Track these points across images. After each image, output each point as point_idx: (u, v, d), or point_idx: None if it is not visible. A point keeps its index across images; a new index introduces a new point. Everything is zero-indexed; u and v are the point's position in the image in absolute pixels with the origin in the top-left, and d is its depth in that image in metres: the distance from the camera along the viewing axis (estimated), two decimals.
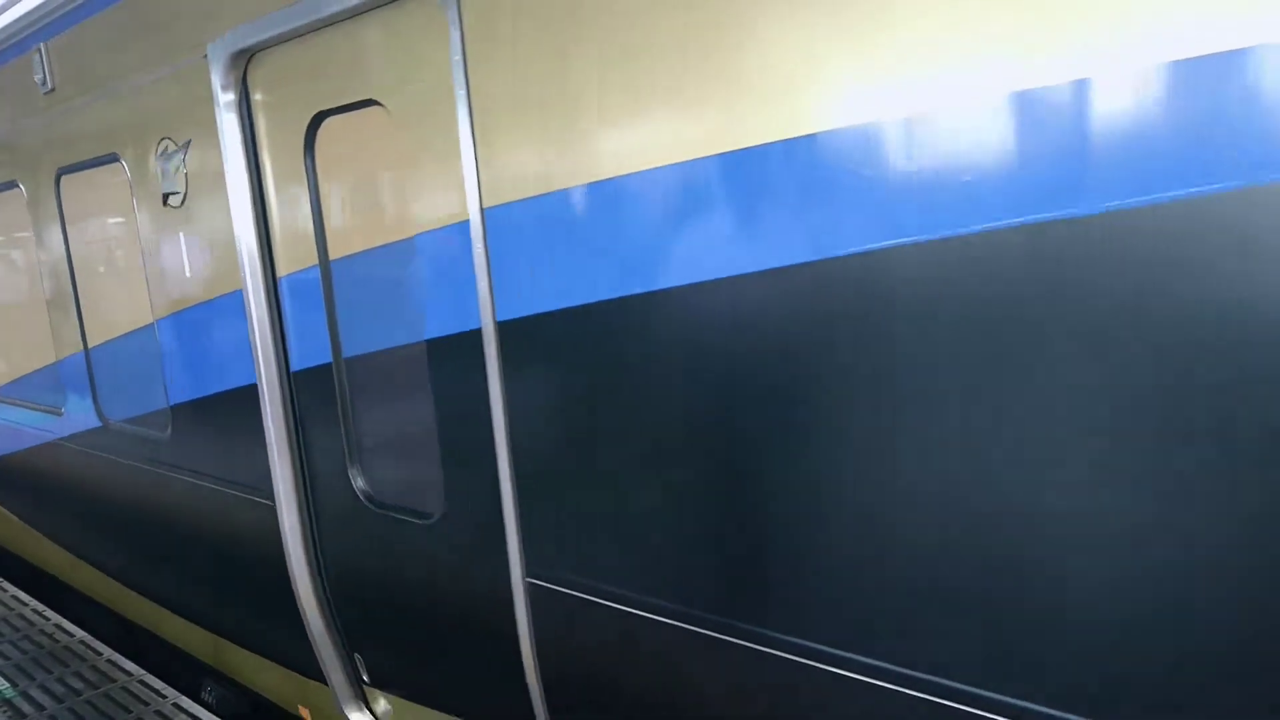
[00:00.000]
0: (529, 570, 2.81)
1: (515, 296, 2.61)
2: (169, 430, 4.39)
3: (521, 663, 2.95)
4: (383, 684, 3.86)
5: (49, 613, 5.90)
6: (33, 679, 4.99)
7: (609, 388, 2.45)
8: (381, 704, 3.93)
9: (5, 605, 6.09)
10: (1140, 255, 1.55)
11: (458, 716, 3.49)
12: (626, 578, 2.54)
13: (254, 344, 3.66)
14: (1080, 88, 1.59)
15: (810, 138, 1.93)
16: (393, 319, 3.21)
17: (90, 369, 5.01)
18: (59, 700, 4.73)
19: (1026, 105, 1.65)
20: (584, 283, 2.43)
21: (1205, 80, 1.46)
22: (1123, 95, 1.55)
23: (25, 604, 6.09)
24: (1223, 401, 1.53)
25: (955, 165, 1.74)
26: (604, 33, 2.25)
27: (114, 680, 4.91)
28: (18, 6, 4.66)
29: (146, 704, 4.63)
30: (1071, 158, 1.60)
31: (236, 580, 4.33)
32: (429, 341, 3.01)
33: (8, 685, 4.92)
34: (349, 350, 3.44)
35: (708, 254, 2.15)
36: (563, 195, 2.43)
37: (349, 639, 3.86)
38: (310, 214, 3.39)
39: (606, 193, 2.33)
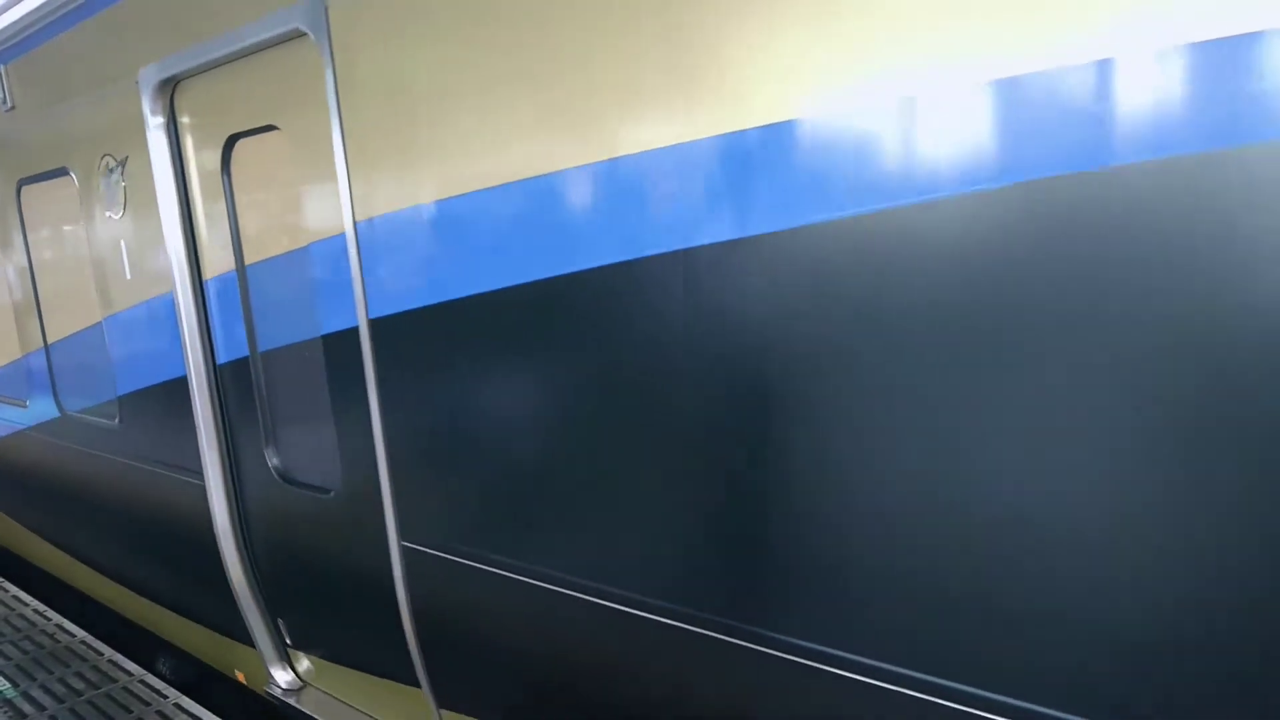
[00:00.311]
0: (403, 535, 3.23)
1: (382, 298, 3.03)
2: (117, 419, 4.81)
3: (400, 618, 3.37)
4: (303, 645, 4.28)
5: (50, 613, 5.93)
6: (34, 679, 4.99)
7: (456, 375, 2.87)
8: (304, 663, 4.36)
9: (6, 605, 6.10)
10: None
11: (363, 672, 3.92)
12: (478, 539, 2.96)
13: (184, 340, 4.08)
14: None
15: (589, 165, 2.35)
16: (295, 318, 3.63)
17: (50, 364, 5.43)
18: (60, 700, 4.73)
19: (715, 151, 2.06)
20: (432, 286, 2.85)
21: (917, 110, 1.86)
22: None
23: (26, 604, 6.11)
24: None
25: (672, 198, 2.16)
26: (443, 75, 2.66)
27: (115, 680, 4.92)
28: None
29: (148, 704, 4.64)
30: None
31: (178, 556, 4.75)
32: (323, 337, 3.43)
33: (9, 685, 4.92)
34: (263, 346, 3.86)
35: (526, 261, 2.57)
36: (414, 211, 2.85)
37: (271, 605, 4.28)
38: (228, 224, 3.81)
39: (446, 210, 2.75)
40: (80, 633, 5.55)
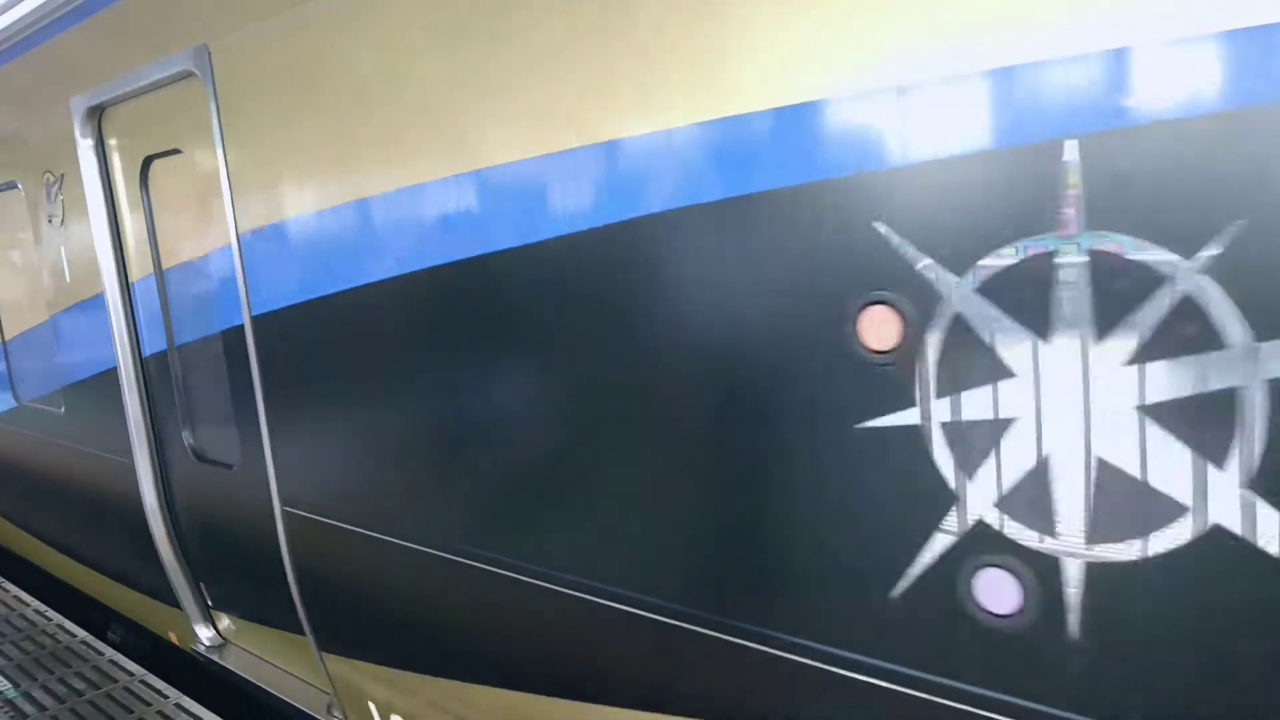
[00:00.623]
0: (283, 501, 3.77)
1: (260, 298, 3.58)
2: (62, 408, 5.36)
3: (286, 575, 3.91)
4: (222, 606, 4.82)
5: (51, 613, 5.99)
6: (35, 679, 5.01)
7: (318, 363, 3.41)
8: (225, 622, 4.90)
9: (7, 606, 6.17)
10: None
11: (266, 626, 4.46)
12: (342, 503, 3.51)
13: (114, 336, 4.62)
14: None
15: (394, 191, 2.89)
16: (200, 316, 4.17)
17: (7, 358, 5.98)
18: (61, 700, 4.75)
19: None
20: (299, 287, 3.39)
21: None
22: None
23: (27, 604, 6.17)
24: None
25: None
26: (299, 111, 3.20)
27: (115, 680, 4.95)
28: None
29: (149, 704, 4.68)
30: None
31: (116, 529, 5.30)
32: (221, 333, 3.97)
33: (10, 685, 4.94)
34: (178, 340, 4.40)
35: (365, 267, 3.10)
36: (281, 225, 3.39)
37: (194, 570, 4.83)
38: (147, 234, 4.35)
39: (305, 224, 3.29)
40: (81, 633, 5.66)
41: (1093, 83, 1.56)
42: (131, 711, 4.60)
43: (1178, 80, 1.48)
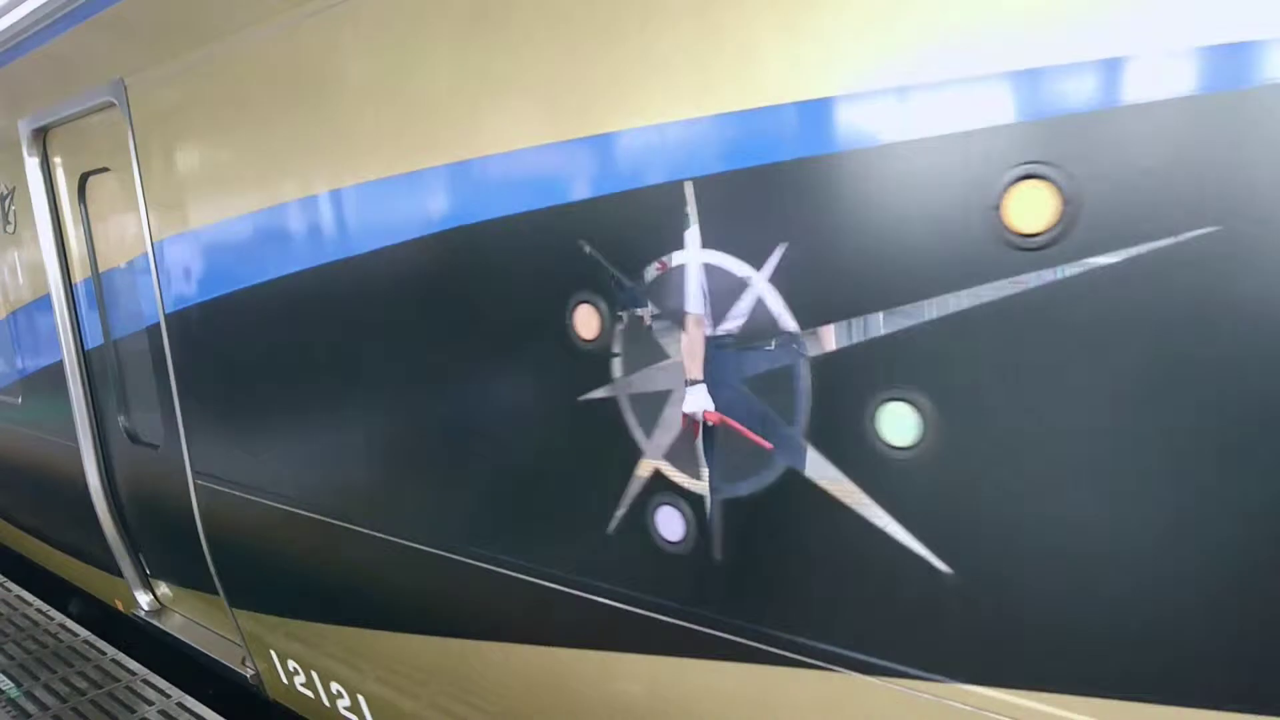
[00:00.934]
0: (195, 474, 4.34)
1: (171, 299, 4.14)
2: (20, 398, 5.93)
3: (200, 541, 4.47)
4: (159, 573, 5.38)
5: (53, 612, 6.02)
6: (37, 678, 5.01)
7: (217, 355, 3.97)
8: (162, 589, 5.46)
9: (9, 605, 6.19)
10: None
11: (192, 589, 5.02)
12: (236, 473, 4.07)
13: (59, 332, 5.19)
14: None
15: (273, 207, 3.45)
16: (130, 314, 4.73)
17: None
18: (63, 700, 4.75)
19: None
20: (200, 289, 3.96)
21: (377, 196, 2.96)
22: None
23: (29, 604, 6.21)
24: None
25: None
26: (200, 139, 3.77)
27: (117, 680, 4.96)
28: None
29: (150, 703, 4.69)
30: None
31: (66, 507, 5.86)
32: (145, 329, 4.53)
33: (12, 684, 4.94)
34: (114, 335, 4.96)
35: (248, 271, 3.66)
36: (187, 235, 3.95)
37: (133, 541, 5.39)
38: (85, 240, 4.92)
39: (204, 235, 3.85)
40: (83, 632, 5.70)
41: (705, 142, 2.11)
42: (134, 711, 4.59)
43: (736, 143, 2.05)
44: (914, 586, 1.98)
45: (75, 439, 5.32)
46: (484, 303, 2.74)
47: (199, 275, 3.93)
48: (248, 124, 3.47)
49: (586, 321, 2.45)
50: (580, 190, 2.40)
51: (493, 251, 2.66)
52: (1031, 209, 1.69)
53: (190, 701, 4.63)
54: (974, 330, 1.80)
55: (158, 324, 4.30)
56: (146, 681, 4.89)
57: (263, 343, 3.71)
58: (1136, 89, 1.57)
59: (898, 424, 1.94)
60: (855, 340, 1.97)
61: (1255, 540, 1.59)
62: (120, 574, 5.54)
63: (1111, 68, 1.59)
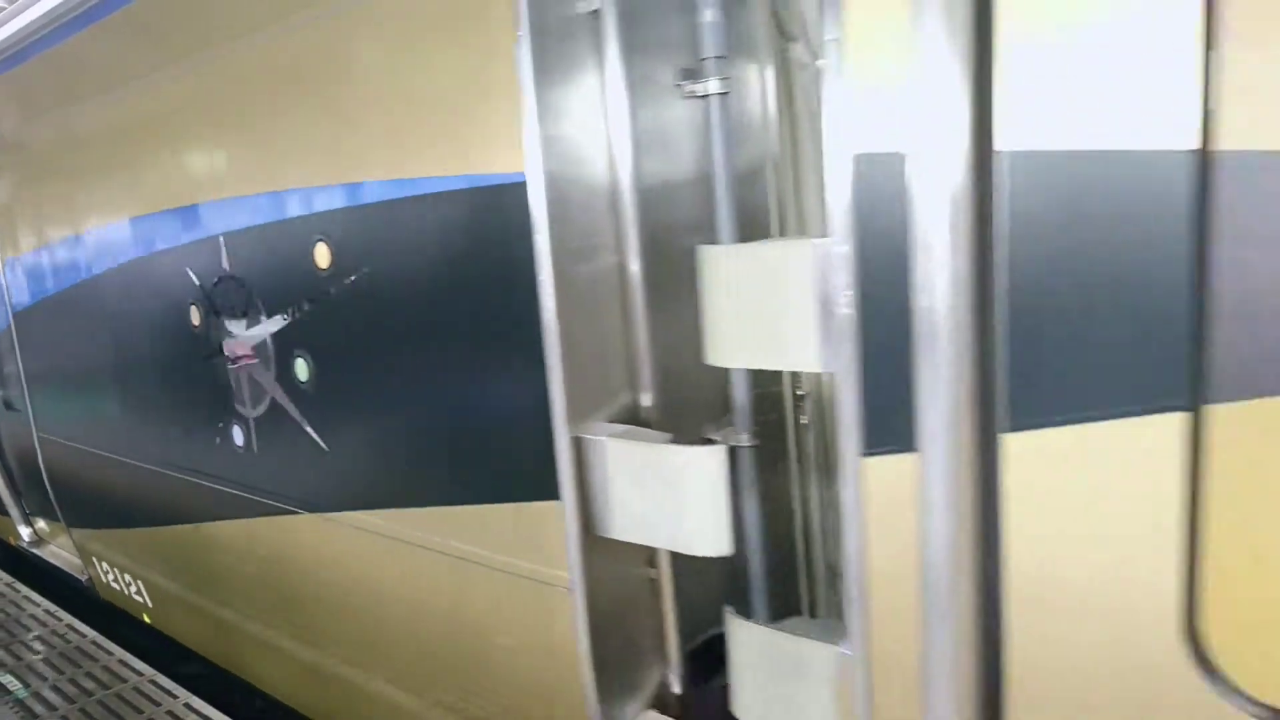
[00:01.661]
0: (38, 429, 5.81)
1: (16, 300, 5.53)
2: None
3: (44, 483, 5.87)
4: (35, 512, 6.72)
5: (61, 613, 6.04)
6: (44, 679, 5.03)
7: (43, 337, 5.39)
8: (40, 524, 6.83)
9: (17, 605, 6.21)
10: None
11: (49, 520, 6.40)
12: (63, 427, 5.54)
13: None
14: None
15: (65, 238, 4.84)
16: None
17: None
18: (70, 700, 4.78)
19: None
20: (31, 293, 5.43)
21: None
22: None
23: (37, 604, 6.24)
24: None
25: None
26: (30, 178, 5.13)
27: (125, 680, 4.96)
28: None
29: (158, 704, 4.69)
30: None
31: None
32: (7, 326, 5.90)
33: (20, 685, 4.98)
34: None
35: (57, 280, 5.05)
36: (24, 255, 5.31)
37: (14, 487, 6.73)
38: None
39: (36, 255, 5.24)
40: (91, 633, 5.71)
41: (234, 212, 3.52)
42: (141, 711, 4.61)
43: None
44: (316, 460, 3.47)
45: None
46: (144, 308, 4.32)
47: (25, 287, 5.47)
48: (53, 167, 4.92)
49: (194, 316, 3.97)
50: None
51: (138, 280, 4.32)
52: (323, 255, 3.17)
53: (197, 702, 4.66)
54: (317, 318, 3.29)
55: (9, 323, 5.84)
56: (154, 682, 4.93)
57: (65, 334, 5.21)
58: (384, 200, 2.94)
59: (301, 370, 3.43)
60: (272, 330, 3.51)
61: (437, 425, 3.02)
62: (8, 514, 7.01)
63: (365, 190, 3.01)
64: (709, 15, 2.22)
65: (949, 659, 1.80)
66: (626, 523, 2.43)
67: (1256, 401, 1.43)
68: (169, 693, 4.83)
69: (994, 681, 1.78)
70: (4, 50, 4.85)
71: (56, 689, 4.96)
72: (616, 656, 2.56)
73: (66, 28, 4.34)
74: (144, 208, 4.09)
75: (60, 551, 6.48)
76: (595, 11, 2.33)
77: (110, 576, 5.68)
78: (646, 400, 2.48)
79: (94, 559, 5.79)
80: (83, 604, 6.00)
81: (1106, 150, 1.50)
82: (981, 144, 1.64)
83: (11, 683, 5.05)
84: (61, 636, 5.68)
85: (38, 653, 5.47)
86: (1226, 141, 1.41)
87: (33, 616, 6.09)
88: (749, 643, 2.37)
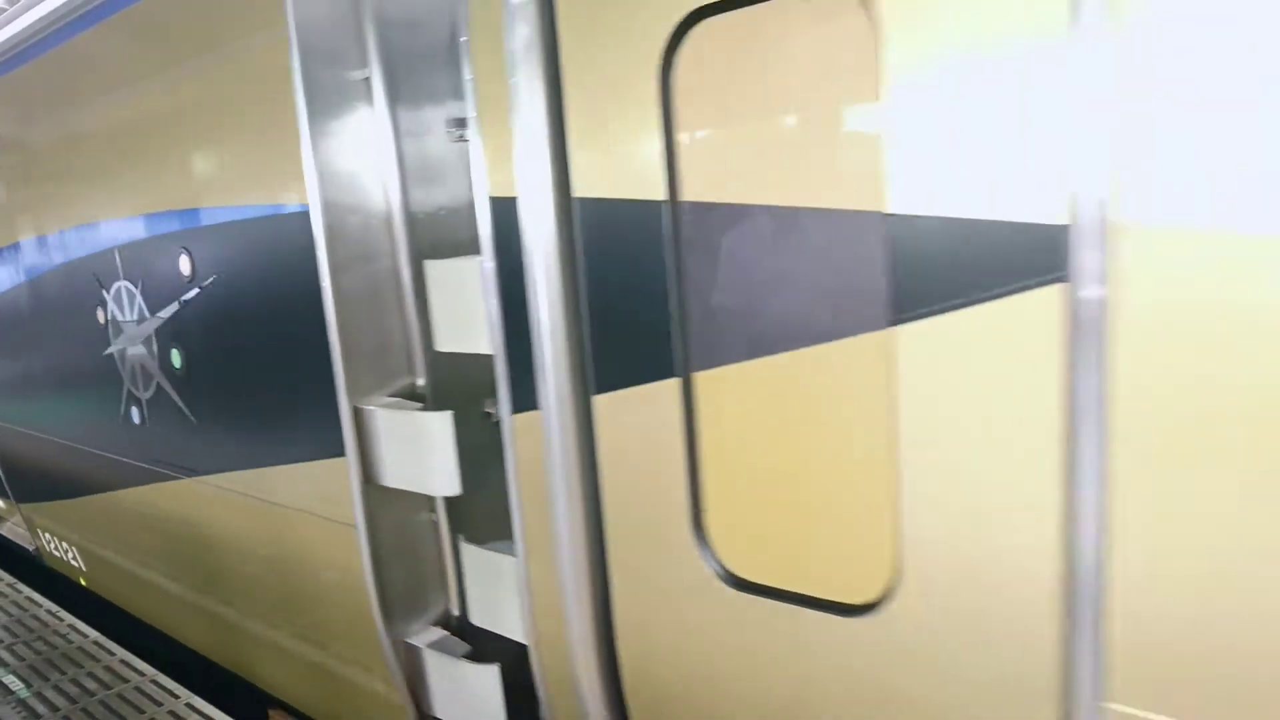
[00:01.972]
0: None
1: None
2: None
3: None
4: None
5: (63, 614, 6.04)
6: (46, 679, 5.02)
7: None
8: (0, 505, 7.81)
9: (20, 606, 6.20)
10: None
11: (4, 497, 7.30)
12: (13, 411, 6.37)
13: None
14: None
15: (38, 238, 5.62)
16: None
17: None
18: (72, 701, 4.77)
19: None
20: None
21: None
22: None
23: (39, 605, 6.24)
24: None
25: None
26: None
27: (127, 680, 4.96)
28: None
29: (160, 704, 4.69)
30: None
31: None
32: None
33: (22, 685, 4.96)
34: None
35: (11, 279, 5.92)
36: None
37: None
38: None
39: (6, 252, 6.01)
40: (93, 633, 5.72)
41: (125, 229, 4.41)
42: (143, 712, 4.63)
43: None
44: (189, 433, 4.38)
45: None
46: (66, 308, 5.23)
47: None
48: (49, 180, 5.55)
49: (99, 315, 4.88)
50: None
51: (61, 285, 5.27)
52: (185, 265, 4.02)
53: (199, 702, 4.69)
54: (184, 317, 4.17)
55: None
56: (155, 682, 4.97)
57: (4, 331, 6.15)
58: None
59: (175, 359, 4.30)
60: (154, 327, 4.41)
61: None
62: None
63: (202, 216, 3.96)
64: (469, 73, 2.71)
65: (572, 554, 2.61)
66: (394, 472, 3.18)
67: (719, 369, 2.24)
68: (170, 693, 4.85)
69: (601, 558, 2.60)
70: None
71: (59, 689, 4.96)
72: (403, 584, 3.34)
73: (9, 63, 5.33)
74: (62, 224, 5.15)
75: (15, 526, 7.41)
76: (366, 79, 3.03)
77: (52, 545, 6.61)
78: (421, 381, 3.22)
79: (39, 530, 6.75)
80: (31, 573, 6.78)
81: (626, 199, 2.30)
82: (564, 192, 2.40)
83: (14, 683, 5.06)
84: (63, 637, 5.71)
85: (40, 653, 5.49)
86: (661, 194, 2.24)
87: (35, 617, 6.11)
88: (471, 561, 3.21)
